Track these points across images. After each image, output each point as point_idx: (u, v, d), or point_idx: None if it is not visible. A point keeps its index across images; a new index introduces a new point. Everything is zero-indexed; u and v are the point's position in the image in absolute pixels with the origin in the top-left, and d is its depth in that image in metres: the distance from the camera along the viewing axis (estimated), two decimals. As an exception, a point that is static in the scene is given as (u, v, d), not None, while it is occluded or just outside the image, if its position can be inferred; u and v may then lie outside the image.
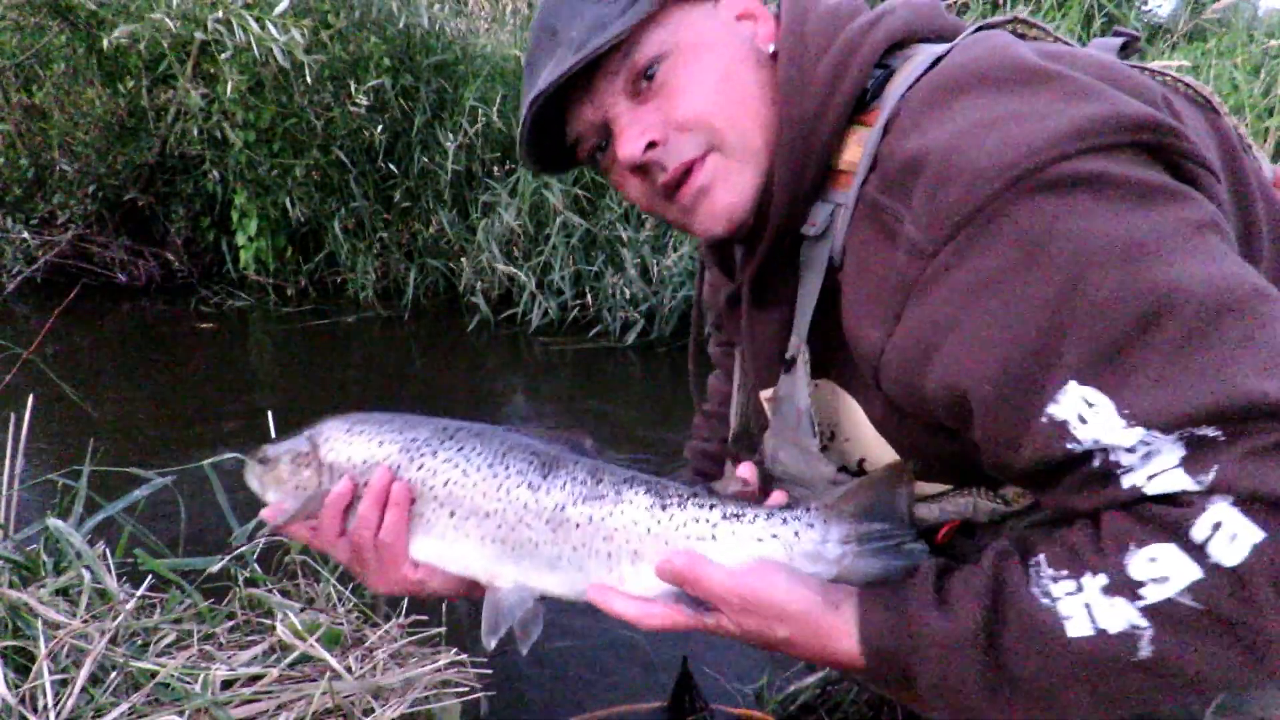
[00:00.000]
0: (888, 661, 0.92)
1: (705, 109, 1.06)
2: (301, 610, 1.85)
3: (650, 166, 1.10)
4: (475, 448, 1.17)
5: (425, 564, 1.16)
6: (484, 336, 5.54)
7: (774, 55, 1.10)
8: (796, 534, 1.04)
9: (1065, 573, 0.82)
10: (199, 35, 5.13)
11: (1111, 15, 6.04)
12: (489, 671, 1.87)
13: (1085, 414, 0.79)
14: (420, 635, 1.90)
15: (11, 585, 1.74)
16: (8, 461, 2.09)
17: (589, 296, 5.54)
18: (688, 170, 1.09)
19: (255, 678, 1.68)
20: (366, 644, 1.84)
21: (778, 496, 1.10)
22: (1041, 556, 0.85)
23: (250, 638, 1.84)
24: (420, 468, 1.17)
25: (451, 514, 1.15)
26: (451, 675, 1.83)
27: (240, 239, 6.29)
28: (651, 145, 1.08)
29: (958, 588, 0.89)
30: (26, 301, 6.00)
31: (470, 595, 1.20)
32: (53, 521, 1.89)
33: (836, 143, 1.03)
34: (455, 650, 1.87)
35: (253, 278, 6.40)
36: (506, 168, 5.93)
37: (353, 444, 1.20)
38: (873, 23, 1.05)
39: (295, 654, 1.74)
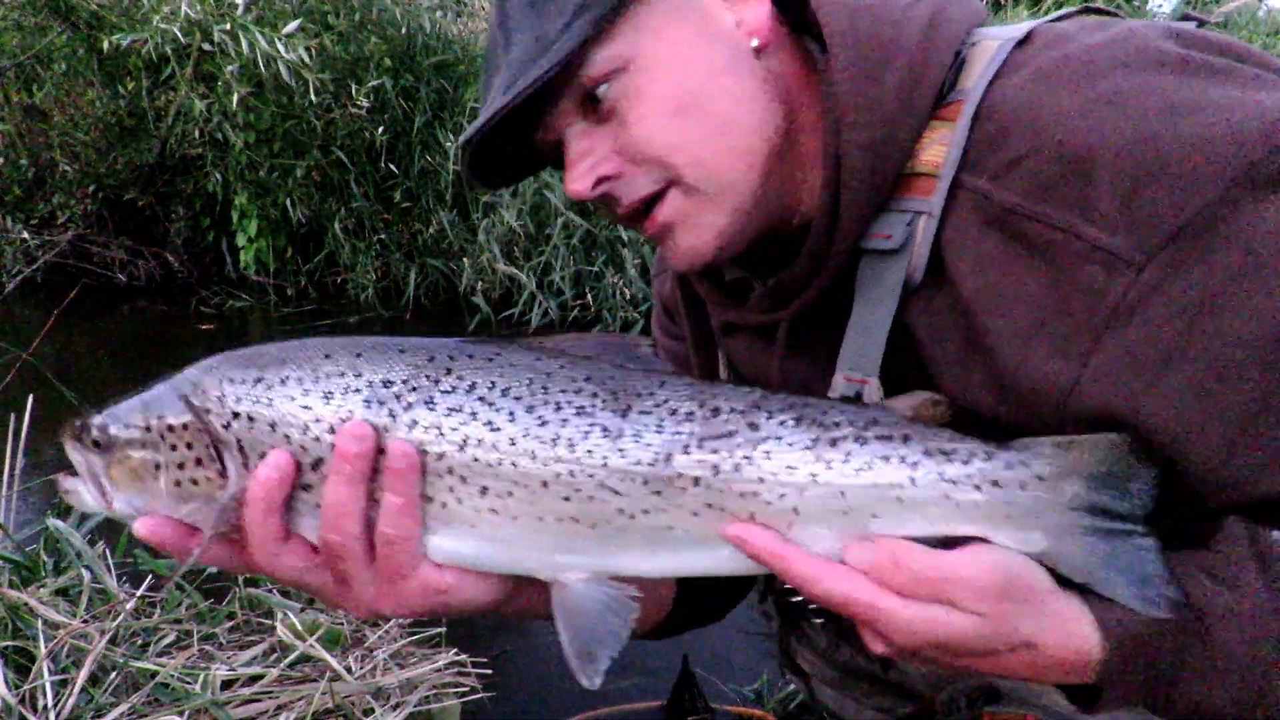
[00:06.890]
0: (1144, 651, 0.77)
1: (660, 143, 0.91)
2: (301, 610, 1.85)
3: (605, 197, 0.96)
4: (495, 383, 0.79)
5: (450, 567, 0.84)
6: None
7: (758, 50, 0.95)
8: (1023, 485, 0.76)
9: None
10: (205, 46, 5.14)
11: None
12: (489, 671, 1.87)
13: None
14: (420, 635, 1.90)
15: (11, 585, 1.74)
16: (8, 461, 2.09)
17: (589, 296, 5.54)
18: (646, 204, 0.95)
19: (255, 678, 1.68)
20: (366, 644, 1.84)
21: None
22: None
23: (250, 638, 1.84)
24: (413, 427, 0.77)
25: (484, 491, 0.78)
26: (451, 676, 1.83)
27: (240, 239, 6.29)
28: (604, 179, 0.94)
29: (1209, 558, 0.78)
30: (26, 301, 6.00)
31: (503, 609, 0.90)
32: (53, 521, 1.89)
33: (913, 144, 0.91)
34: (455, 650, 1.87)
35: (253, 278, 6.39)
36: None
37: (274, 402, 0.79)
38: (932, 17, 0.94)
39: (295, 654, 1.74)
